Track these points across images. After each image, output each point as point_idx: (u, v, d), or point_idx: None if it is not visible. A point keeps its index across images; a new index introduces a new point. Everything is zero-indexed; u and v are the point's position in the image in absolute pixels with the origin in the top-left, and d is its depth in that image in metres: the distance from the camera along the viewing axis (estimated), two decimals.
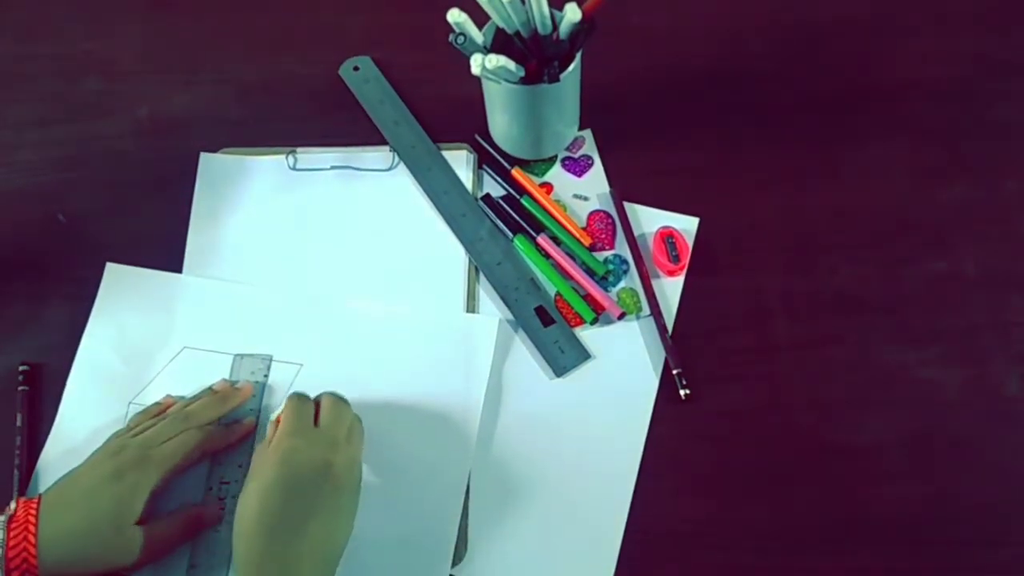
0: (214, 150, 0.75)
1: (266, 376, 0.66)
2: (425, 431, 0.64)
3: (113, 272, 0.70)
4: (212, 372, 0.66)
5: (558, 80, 0.63)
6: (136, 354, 0.67)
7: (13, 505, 0.56)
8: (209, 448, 0.61)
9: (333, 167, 0.74)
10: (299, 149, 0.75)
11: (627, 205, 0.71)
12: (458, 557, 0.60)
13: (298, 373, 0.66)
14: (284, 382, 0.66)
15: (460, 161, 0.74)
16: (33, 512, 0.55)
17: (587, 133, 0.75)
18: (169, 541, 0.59)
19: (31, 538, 0.54)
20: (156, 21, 0.83)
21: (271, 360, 0.67)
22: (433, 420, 0.64)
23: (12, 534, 0.54)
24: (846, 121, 0.74)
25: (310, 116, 0.77)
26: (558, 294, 0.68)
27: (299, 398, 0.60)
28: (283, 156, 0.75)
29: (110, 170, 0.75)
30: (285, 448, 0.56)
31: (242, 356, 0.67)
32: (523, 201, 0.72)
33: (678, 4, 0.80)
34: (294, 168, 0.74)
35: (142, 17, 0.83)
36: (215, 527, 0.61)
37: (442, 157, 0.74)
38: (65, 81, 0.80)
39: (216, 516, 0.61)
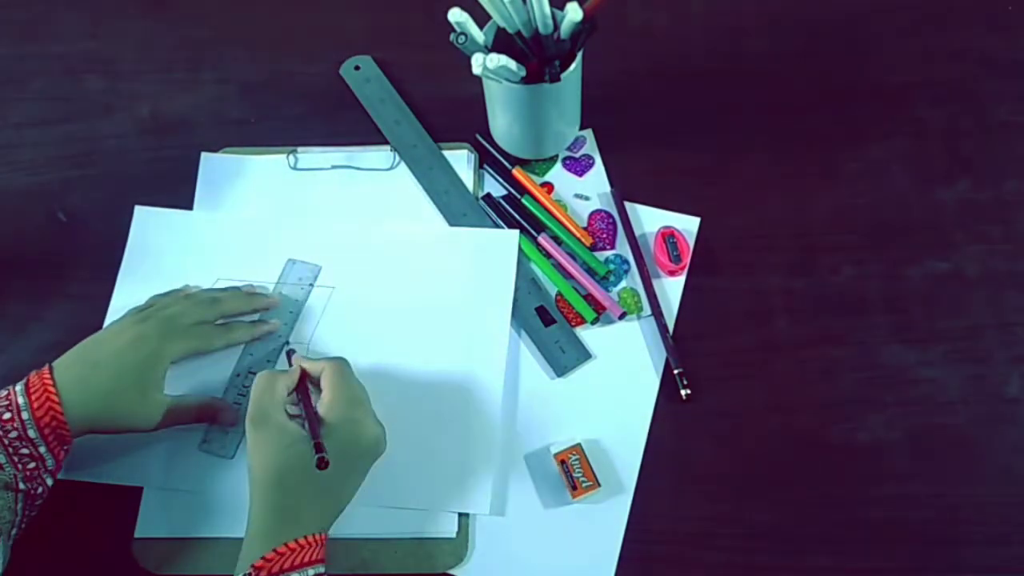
0: (215, 150, 0.75)
1: (312, 285, 0.68)
2: (458, 341, 0.66)
3: (142, 214, 0.72)
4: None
5: (559, 80, 0.63)
6: (172, 288, 0.68)
7: (24, 380, 0.57)
8: (233, 341, 0.64)
9: (334, 167, 0.74)
10: (300, 148, 0.75)
11: (628, 205, 0.71)
12: (459, 557, 0.60)
13: (331, 296, 0.68)
14: (318, 306, 0.68)
15: (461, 161, 0.74)
16: (48, 377, 0.56)
17: (588, 133, 0.75)
18: (185, 416, 0.61)
19: (54, 398, 0.55)
20: (157, 21, 0.83)
21: (319, 269, 0.69)
22: (465, 330, 0.67)
23: (33, 397, 0.55)
24: (846, 121, 0.75)
25: (311, 115, 0.77)
26: (559, 294, 0.68)
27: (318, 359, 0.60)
28: (284, 156, 0.75)
29: (111, 169, 0.75)
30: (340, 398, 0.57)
31: (294, 261, 0.69)
32: (524, 201, 0.72)
33: (678, 4, 0.81)
34: (295, 168, 0.74)
35: (143, 16, 0.83)
36: (226, 426, 0.63)
37: (443, 157, 0.74)
38: (66, 80, 0.80)
39: (232, 418, 0.63)
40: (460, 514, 0.61)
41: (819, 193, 0.72)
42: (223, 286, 0.68)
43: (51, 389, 0.56)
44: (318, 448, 0.53)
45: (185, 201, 0.73)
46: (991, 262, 0.69)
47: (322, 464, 0.53)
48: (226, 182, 0.74)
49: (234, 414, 0.63)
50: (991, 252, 0.69)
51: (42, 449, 0.55)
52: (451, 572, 0.60)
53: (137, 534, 0.61)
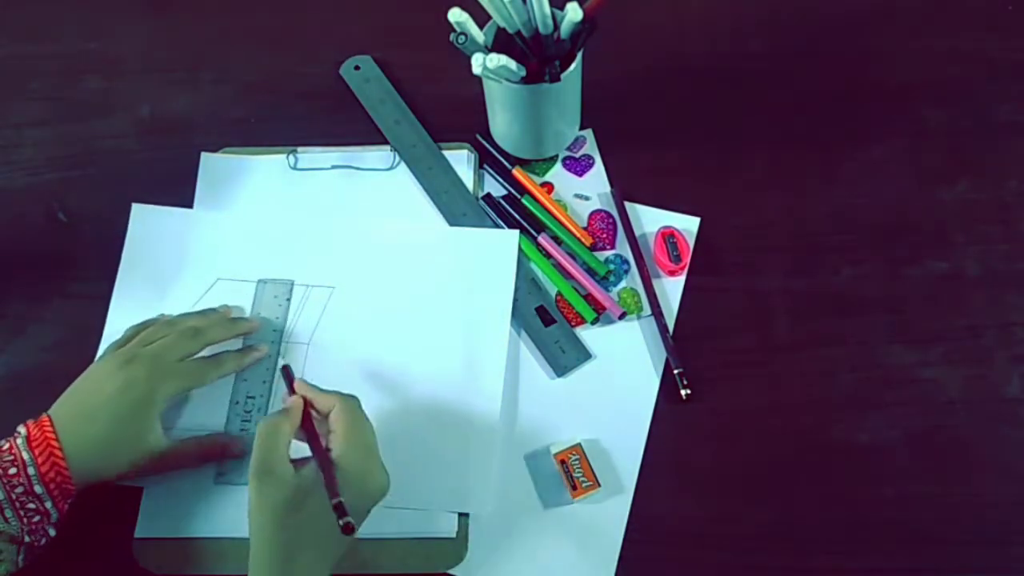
0: (215, 150, 0.75)
1: (288, 300, 0.68)
2: (458, 341, 0.66)
3: (139, 212, 0.71)
4: (244, 301, 0.68)
5: (559, 80, 0.63)
6: (170, 288, 0.68)
7: (22, 430, 0.56)
8: (223, 373, 0.63)
9: (334, 166, 0.74)
10: (300, 148, 0.75)
11: (628, 205, 0.71)
12: (458, 557, 0.60)
13: (331, 296, 0.68)
14: (318, 306, 0.68)
15: (461, 160, 0.74)
16: (49, 429, 0.56)
17: (588, 133, 0.75)
18: (188, 458, 0.61)
19: (58, 452, 0.55)
20: (157, 21, 0.83)
21: (292, 284, 0.69)
22: (465, 330, 0.66)
23: (37, 452, 0.55)
24: (846, 121, 0.75)
25: (311, 115, 0.77)
26: (559, 294, 0.68)
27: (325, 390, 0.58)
28: (284, 156, 0.75)
29: (111, 169, 0.75)
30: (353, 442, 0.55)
31: (265, 281, 0.69)
32: (524, 201, 0.72)
33: (678, 4, 0.81)
34: (295, 168, 0.74)
35: (143, 17, 0.83)
36: (236, 458, 0.62)
37: (443, 156, 0.74)
38: (66, 80, 0.80)
39: (239, 448, 0.62)
40: (460, 514, 0.61)
41: (819, 193, 0.72)
42: (202, 307, 0.67)
43: (54, 444, 0.55)
44: (340, 511, 0.49)
45: (185, 201, 0.73)
46: (991, 262, 0.69)
47: (348, 530, 0.49)
48: (226, 182, 0.74)
49: (241, 444, 0.62)
50: (991, 252, 0.69)
51: (48, 504, 0.55)
52: (451, 572, 0.60)
53: (137, 534, 0.61)
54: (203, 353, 0.63)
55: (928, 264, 0.69)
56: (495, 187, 0.73)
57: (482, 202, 0.72)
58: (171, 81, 0.79)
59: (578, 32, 0.63)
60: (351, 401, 0.56)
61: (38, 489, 0.54)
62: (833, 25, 0.79)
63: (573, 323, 0.67)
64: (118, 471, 0.58)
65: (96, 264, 0.70)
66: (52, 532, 0.56)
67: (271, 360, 0.66)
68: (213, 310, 0.67)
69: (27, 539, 0.55)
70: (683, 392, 0.64)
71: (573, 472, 0.61)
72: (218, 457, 0.62)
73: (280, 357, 0.66)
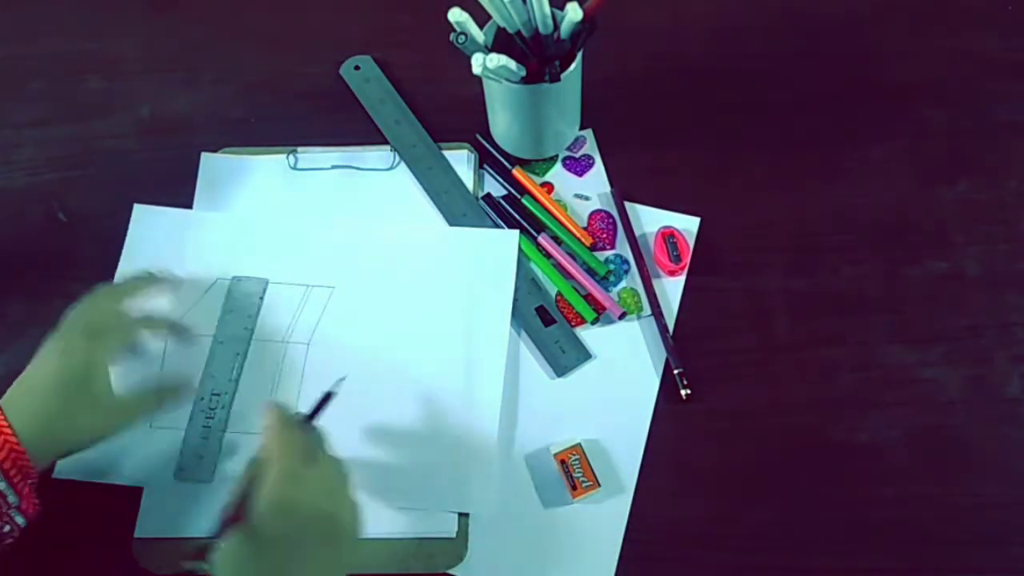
0: (215, 150, 0.75)
1: (261, 298, 0.68)
2: (457, 341, 0.66)
3: (140, 212, 0.71)
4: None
5: (559, 80, 0.63)
6: (169, 288, 0.68)
7: None
8: (153, 326, 0.63)
9: (334, 166, 0.74)
10: (300, 148, 0.75)
11: (628, 205, 0.71)
12: (458, 557, 0.60)
13: (331, 296, 0.68)
14: (318, 306, 0.68)
15: (461, 160, 0.74)
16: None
17: (588, 133, 0.75)
18: (147, 406, 0.60)
19: (7, 431, 0.54)
20: (157, 21, 0.83)
21: (267, 283, 0.69)
22: (465, 330, 0.66)
23: None
24: (846, 121, 0.75)
25: (311, 115, 0.77)
26: (559, 294, 0.68)
27: (281, 422, 0.54)
28: (284, 156, 0.75)
29: (111, 169, 0.75)
30: (276, 501, 0.50)
31: (239, 279, 0.69)
32: (524, 201, 0.72)
33: (678, 4, 0.81)
34: (295, 168, 0.74)
35: (143, 17, 0.83)
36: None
37: (443, 156, 0.74)
38: (66, 80, 0.80)
39: (189, 390, 0.63)
40: (460, 514, 0.61)
41: (819, 193, 0.72)
42: (203, 308, 0.68)
43: (3, 424, 0.54)
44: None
45: (185, 201, 0.73)
46: (991, 262, 0.69)
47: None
48: (226, 182, 0.74)
49: (190, 387, 0.63)
50: (991, 252, 0.69)
51: (2, 485, 0.53)
52: (451, 572, 0.60)
53: (137, 534, 0.61)
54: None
55: (928, 264, 0.69)
56: (495, 187, 0.73)
57: (482, 202, 0.72)
58: (171, 81, 0.79)
59: (578, 32, 0.63)
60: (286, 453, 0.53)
61: None
62: (833, 25, 0.79)
63: (573, 323, 0.67)
64: (79, 442, 0.57)
65: (96, 264, 0.70)
66: (19, 519, 0.54)
67: (238, 358, 0.66)
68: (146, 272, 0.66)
69: None
70: (683, 392, 0.64)
71: (573, 472, 0.61)
72: (172, 401, 0.62)
73: (245, 357, 0.66)
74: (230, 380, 0.66)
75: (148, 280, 0.65)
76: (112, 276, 0.70)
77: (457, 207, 0.72)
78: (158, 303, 0.64)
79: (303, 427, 0.55)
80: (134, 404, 0.60)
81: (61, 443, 0.57)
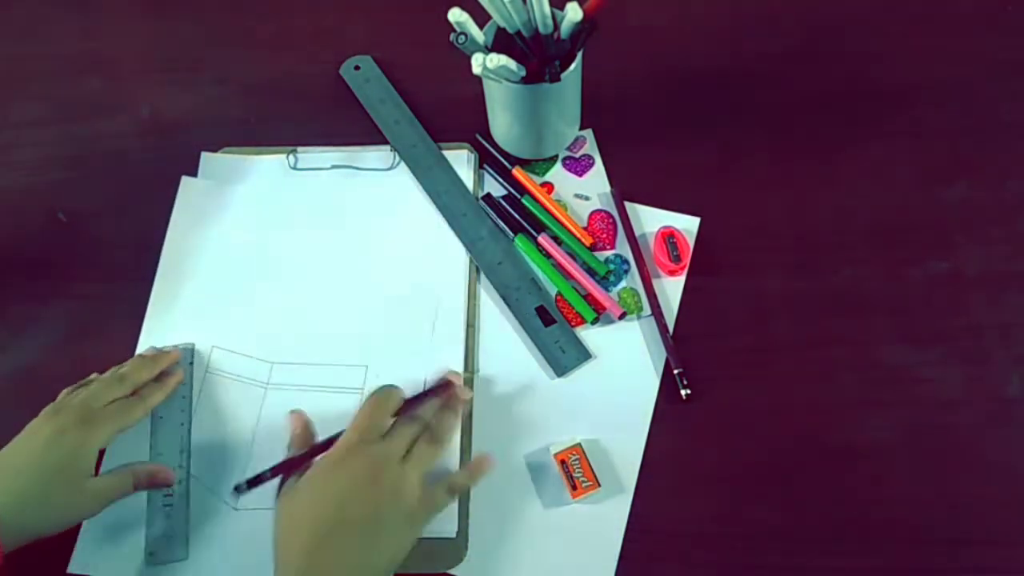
0: (215, 149, 0.75)
1: (191, 363, 0.66)
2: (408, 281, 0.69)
3: (187, 185, 0.73)
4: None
5: (559, 80, 0.63)
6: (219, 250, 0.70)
7: None
8: (150, 406, 0.62)
9: (334, 166, 0.74)
10: (300, 148, 0.75)
11: (628, 205, 0.71)
12: (458, 557, 0.60)
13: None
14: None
15: (461, 160, 0.74)
16: None
17: (588, 133, 0.75)
18: (123, 489, 0.59)
19: None
20: (157, 21, 0.83)
21: (194, 347, 0.67)
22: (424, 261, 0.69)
23: None
24: (846, 121, 0.75)
25: (311, 115, 0.77)
26: (559, 294, 0.69)
27: (382, 395, 0.58)
28: (284, 155, 0.75)
29: (111, 169, 0.75)
30: (344, 459, 0.55)
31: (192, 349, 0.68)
32: (524, 201, 0.72)
33: (678, 4, 0.81)
34: (295, 167, 0.74)
35: (143, 17, 0.83)
36: (165, 486, 0.62)
37: (443, 156, 0.74)
38: (66, 81, 0.80)
39: (166, 476, 0.61)
40: (460, 514, 0.61)
41: (819, 193, 0.72)
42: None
43: None
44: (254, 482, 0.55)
45: None
46: (991, 262, 0.69)
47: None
48: (226, 182, 0.73)
49: (167, 472, 0.61)
50: (991, 252, 0.69)
51: None
52: (451, 572, 0.60)
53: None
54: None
55: (928, 264, 0.69)
56: (495, 187, 0.73)
57: (482, 202, 0.72)
58: (171, 81, 0.79)
59: (578, 32, 0.63)
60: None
61: None
62: (833, 25, 0.79)
63: (573, 323, 0.67)
64: (53, 526, 0.56)
65: (96, 264, 0.70)
66: None
67: (186, 387, 0.65)
68: (139, 356, 0.66)
69: None
70: (683, 392, 0.64)
71: (573, 472, 0.61)
72: (149, 486, 0.61)
73: (190, 423, 0.65)
74: (182, 411, 0.65)
75: (144, 363, 0.64)
76: (113, 276, 0.70)
77: (457, 207, 0.72)
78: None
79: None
80: (110, 487, 0.58)
81: (35, 528, 0.55)
